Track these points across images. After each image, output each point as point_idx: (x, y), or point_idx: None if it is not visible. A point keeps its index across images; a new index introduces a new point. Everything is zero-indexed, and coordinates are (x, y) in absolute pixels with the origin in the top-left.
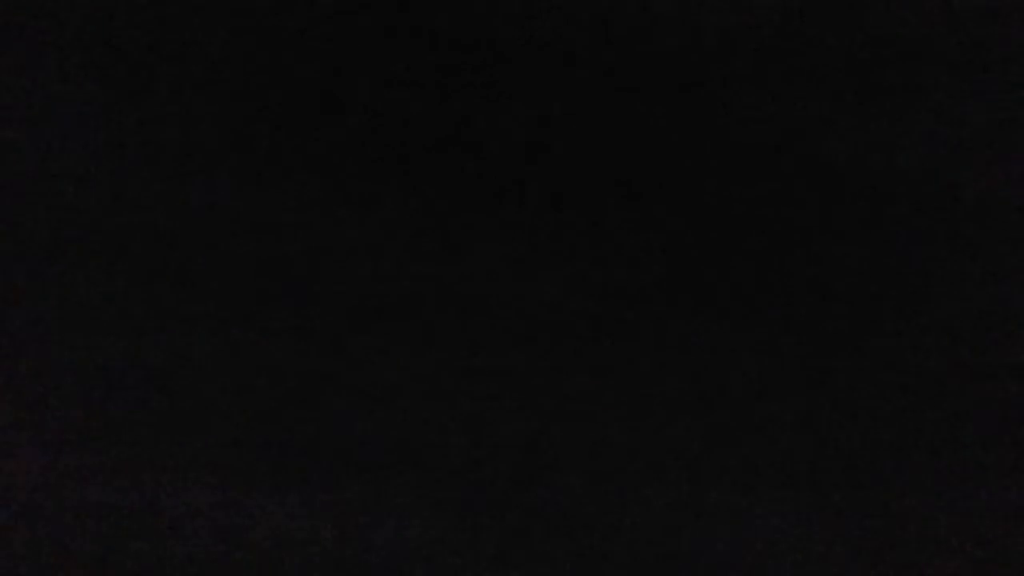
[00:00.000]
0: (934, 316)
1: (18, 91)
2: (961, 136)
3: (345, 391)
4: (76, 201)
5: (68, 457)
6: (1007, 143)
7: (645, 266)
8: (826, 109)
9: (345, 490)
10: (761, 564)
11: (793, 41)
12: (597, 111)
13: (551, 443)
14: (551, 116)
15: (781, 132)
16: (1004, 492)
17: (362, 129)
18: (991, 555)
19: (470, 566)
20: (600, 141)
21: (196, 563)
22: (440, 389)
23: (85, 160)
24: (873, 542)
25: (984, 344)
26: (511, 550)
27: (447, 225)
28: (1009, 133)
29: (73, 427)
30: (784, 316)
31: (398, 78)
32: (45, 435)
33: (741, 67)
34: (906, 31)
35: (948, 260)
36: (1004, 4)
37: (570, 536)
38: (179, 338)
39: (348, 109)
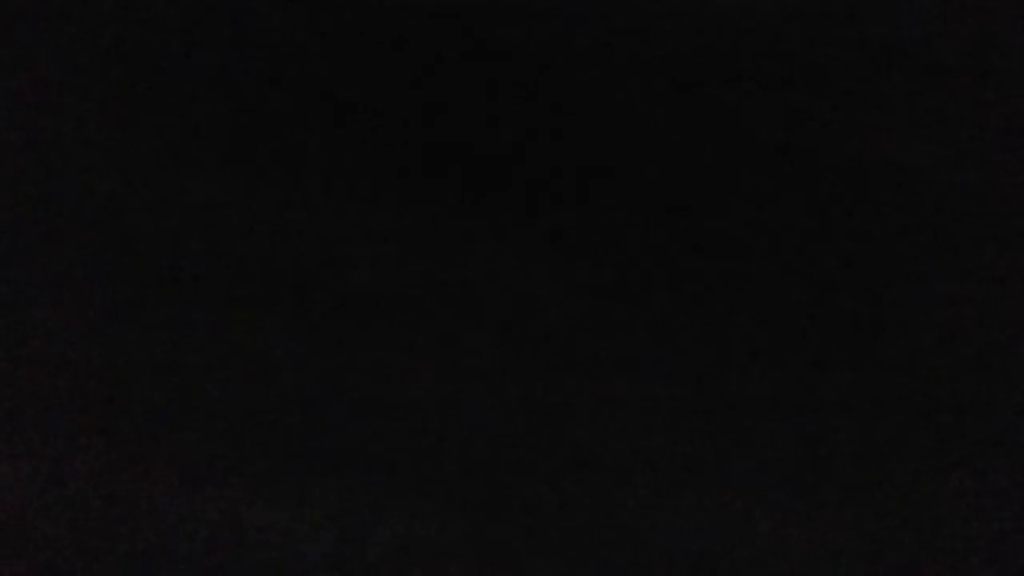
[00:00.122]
0: (934, 316)
1: (18, 91)
2: (961, 136)
3: (345, 391)
4: (76, 201)
5: (68, 457)
6: (1007, 143)
7: (645, 266)
8: (826, 109)
9: (345, 490)
10: (761, 564)
11: (794, 42)
12: (597, 111)
13: (551, 443)
14: (551, 116)
15: (781, 132)
16: (1004, 492)
17: (362, 129)
18: (991, 555)
19: (471, 566)
20: (600, 141)
21: (196, 563)
22: (440, 389)
23: (85, 160)
24: (873, 542)
25: (984, 344)
26: (511, 550)
27: (447, 225)
28: (1009, 133)
29: (73, 427)
30: (784, 316)
31: (398, 78)
32: (45, 435)
33: (741, 67)
34: (906, 31)
35: (948, 260)
36: (1004, 5)
37: (570, 536)
38: (179, 338)
39: (348, 109)
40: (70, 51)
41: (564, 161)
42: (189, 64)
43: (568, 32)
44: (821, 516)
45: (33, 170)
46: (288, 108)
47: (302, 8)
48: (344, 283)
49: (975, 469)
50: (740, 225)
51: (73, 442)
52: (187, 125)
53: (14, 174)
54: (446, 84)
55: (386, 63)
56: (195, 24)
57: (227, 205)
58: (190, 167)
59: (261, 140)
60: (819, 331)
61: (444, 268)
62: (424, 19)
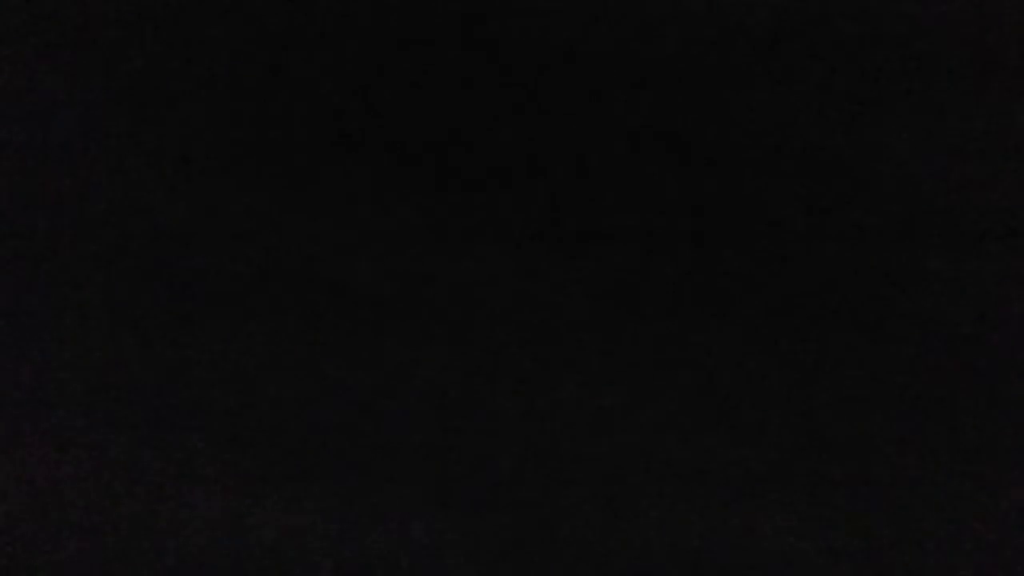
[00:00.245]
0: (934, 316)
1: (18, 91)
2: (961, 136)
3: (345, 391)
4: (76, 201)
5: (68, 457)
6: (1007, 143)
7: (646, 266)
8: (826, 109)
9: (345, 490)
10: (761, 565)
11: (793, 41)
12: (597, 111)
13: (551, 443)
14: (551, 115)
15: (781, 132)
16: (1004, 492)
17: (362, 129)
18: (991, 555)
19: (470, 566)
20: (600, 140)
21: (196, 563)
22: (440, 389)
23: (85, 160)
24: (873, 542)
25: (984, 344)
26: (511, 550)
27: (448, 225)
28: (1009, 133)
29: (73, 427)
30: (784, 316)
31: (398, 78)
32: (45, 435)
33: (741, 67)
34: (906, 31)
35: (948, 259)
36: (1004, 5)
37: (570, 536)
38: (179, 338)
39: (348, 109)
40: (70, 51)
41: (564, 161)
42: (189, 64)
43: (568, 32)
44: (821, 516)
45: (33, 170)
46: (288, 108)
47: (302, 8)
48: (344, 283)
49: (975, 469)
50: (740, 225)
51: (73, 442)
52: (187, 125)
53: (14, 174)
54: (446, 84)
55: (387, 63)
56: (195, 24)
57: (227, 205)
58: (190, 167)
59: (261, 140)
60: (819, 331)
61: (444, 268)
62: (424, 19)
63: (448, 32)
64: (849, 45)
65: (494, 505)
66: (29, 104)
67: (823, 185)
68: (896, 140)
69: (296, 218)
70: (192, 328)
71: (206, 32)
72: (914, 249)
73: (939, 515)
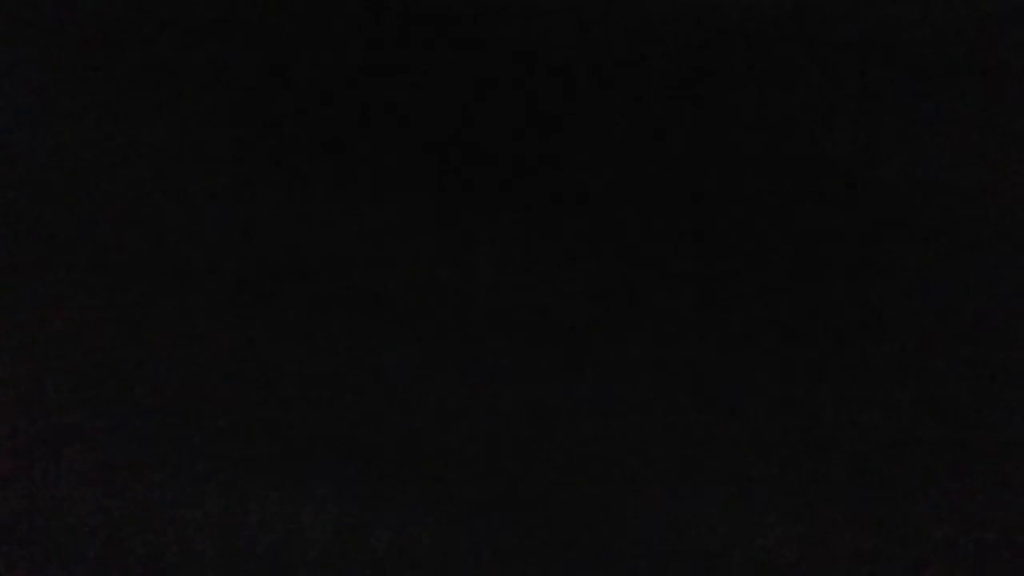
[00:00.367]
0: (934, 316)
1: (18, 91)
2: (961, 136)
3: (345, 391)
4: (76, 201)
5: (68, 457)
6: (1007, 143)
7: (646, 266)
8: (826, 109)
9: (345, 490)
10: (761, 565)
11: (793, 41)
12: (598, 111)
13: (551, 443)
14: (551, 115)
15: (781, 132)
16: (1004, 492)
17: (362, 129)
18: (991, 555)
19: (470, 566)
20: (600, 141)
21: (196, 563)
22: (441, 389)
23: (85, 160)
24: (873, 542)
25: (984, 344)
26: (511, 550)
27: (447, 225)
28: (1009, 133)
29: (73, 427)
30: (783, 317)
31: (399, 78)
32: (45, 435)
33: (741, 67)
34: (906, 31)
35: (948, 260)
36: (1004, 5)
37: (570, 536)
38: (179, 337)
39: (348, 109)
40: (70, 51)
41: (565, 161)
42: (189, 64)
43: (568, 32)
44: (821, 516)
45: (33, 170)
46: (288, 108)
47: (302, 8)
48: (344, 283)
49: (975, 469)
50: (740, 225)
51: (73, 442)
52: (187, 125)
53: (14, 174)
54: (447, 84)
55: (387, 63)
56: (195, 24)
57: (227, 205)
58: (190, 167)
59: (261, 140)
60: (819, 331)
61: (444, 268)
62: (424, 18)
63: (448, 32)
64: (849, 45)
65: (494, 505)
66: (29, 104)
67: (823, 185)
68: (896, 140)
69: (296, 218)
70: (192, 327)
71: (206, 32)
72: (914, 249)
73: (939, 515)
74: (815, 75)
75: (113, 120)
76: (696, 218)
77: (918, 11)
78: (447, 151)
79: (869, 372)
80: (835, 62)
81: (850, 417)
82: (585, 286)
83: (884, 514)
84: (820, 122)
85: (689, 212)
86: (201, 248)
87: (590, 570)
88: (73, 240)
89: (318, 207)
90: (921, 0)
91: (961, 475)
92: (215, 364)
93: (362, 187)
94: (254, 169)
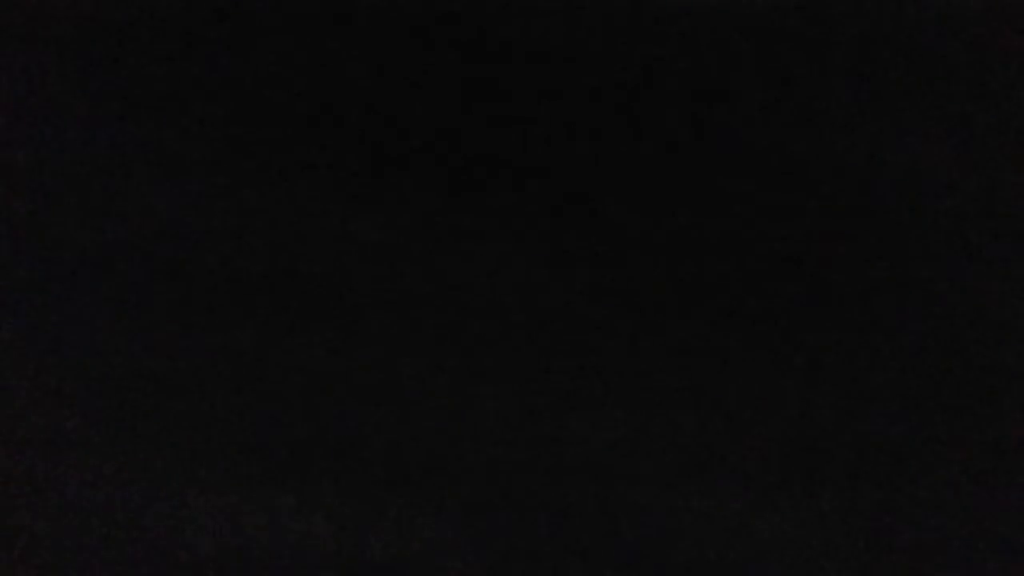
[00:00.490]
0: (934, 316)
1: (18, 91)
2: (961, 136)
3: (345, 391)
4: (76, 201)
5: (68, 457)
6: (1007, 143)
7: (646, 267)
8: (826, 109)
9: (345, 490)
10: (761, 564)
11: (793, 42)
12: (598, 111)
13: (552, 443)
14: (552, 116)
15: (782, 132)
16: (1004, 492)
17: (362, 129)
18: (991, 555)
19: (470, 567)
20: (600, 141)
21: (196, 563)
22: (441, 389)
23: (85, 160)
24: (873, 542)
25: (984, 344)
26: (511, 550)
27: (448, 225)
28: (1009, 133)
29: (73, 427)
30: (784, 317)
31: (399, 79)
32: (46, 435)
33: (741, 67)
34: (906, 31)
35: (948, 260)
36: (1004, 5)
37: (570, 536)
38: (179, 338)
39: (348, 109)
40: (70, 51)
41: (565, 162)
42: (189, 65)
43: (570, 34)
44: (821, 515)
45: (33, 170)
46: (288, 109)
47: (302, 9)
48: (345, 283)
49: (975, 469)
50: (740, 225)
51: (73, 442)
52: (187, 126)
53: (14, 174)
54: (448, 85)
55: (388, 64)
56: (195, 26)
57: (227, 205)
58: (190, 168)
59: (261, 141)
60: (819, 331)
61: (444, 268)
62: (425, 20)
63: (448, 33)
64: (849, 45)
65: (494, 505)
66: (29, 104)
67: (823, 185)
68: (896, 140)
69: (296, 218)
70: (192, 328)
71: (206, 33)
72: (915, 249)
73: (939, 514)
74: (815, 75)
75: (113, 120)
76: (696, 219)
77: (918, 11)
78: (447, 152)
79: (869, 372)
80: (835, 62)
81: (850, 417)
82: (585, 286)
83: (883, 513)
84: (820, 122)
85: (689, 213)
86: (201, 248)
87: (590, 570)
88: (73, 240)
89: (318, 208)
90: (921, 0)
91: (961, 475)
92: (215, 365)
93: (362, 188)
94: (253, 170)
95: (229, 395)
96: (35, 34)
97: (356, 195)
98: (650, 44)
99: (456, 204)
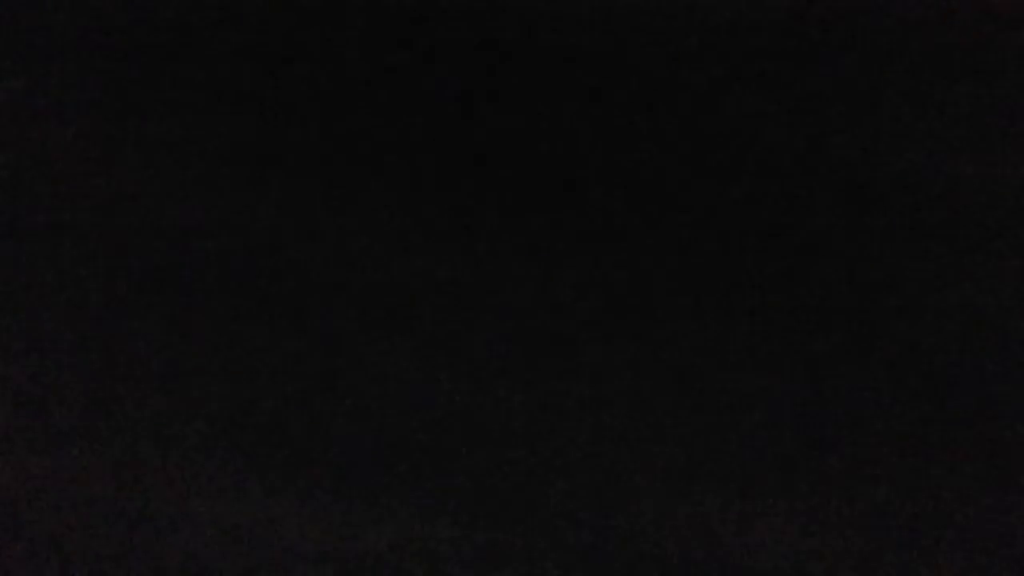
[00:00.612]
0: (934, 315)
1: (18, 91)
2: (961, 136)
3: (345, 391)
4: (76, 201)
5: (68, 457)
6: (1007, 143)
7: (646, 267)
8: (827, 109)
9: (345, 491)
10: (761, 565)
11: (794, 42)
12: (598, 111)
13: (551, 443)
14: (551, 115)
15: (781, 132)
16: (1004, 492)
17: (363, 129)
18: (991, 555)
19: (470, 566)
20: (600, 141)
21: (196, 563)
22: (440, 389)
23: (85, 160)
24: (872, 542)
25: (984, 344)
26: (511, 550)
27: (449, 226)
28: (1009, 133)
29: (73, 427)
30: (784, 316)
31: (399, 79)
32: (45, 435)
33: (742, 68)
34: (906, 31)
35: (948, 259)
36: (1004, 5)
37: (570, 537)
38: (179, 338)
39: (348, 109)
40: (70, 51)
41: (565, 161)
42: (189, 65)
43: (570, 34)
44: (821, 515)
45: (33, 170)
46: (288, 108)
47: (302, 9)
48: (344, 283)
49: (975, 469)
50: (741, 225)
51: (73, 442)
52: (187, 125)
53: (14, 174)
54: (448, 85)
55: (388, 65)
56: (195, 25)
57: (227, 206)
58: (190, 167)
59: (261, 141)
60: (819, 331)
61: (445, 268)
62: (426, 20)
63: (448, 33)
64: (849, 45)
65: (494, 505)
66: (29, 104)
67: (823, 185)
68: (896, 140)
69: (296, 218)
70: (192, 328)
71: (206, 33)
72: (915, 248)
73: (939, 515)
74: (815, 75)
75: (113, 120)
76: (696, 219)
77: (918, 11)
78: (447, 152)
79: (869, 372)
80: (835, 62)
81: (849, 417)
82: (585, 287)
83: (883, 513)
84: (820, 122)
85: (689, 213)
86: (201, 248)
87: (590, 570)
88: (73, 240)
89: (318, 207)
90: (921, 0)
91: (961, 475)
92: (215, 365)
93: (362, 188)
94: (254, 169)
95: (229, 395)
96: (35, 34)
97: (356, 195)
98: (650, 44)
99: (456, 204)
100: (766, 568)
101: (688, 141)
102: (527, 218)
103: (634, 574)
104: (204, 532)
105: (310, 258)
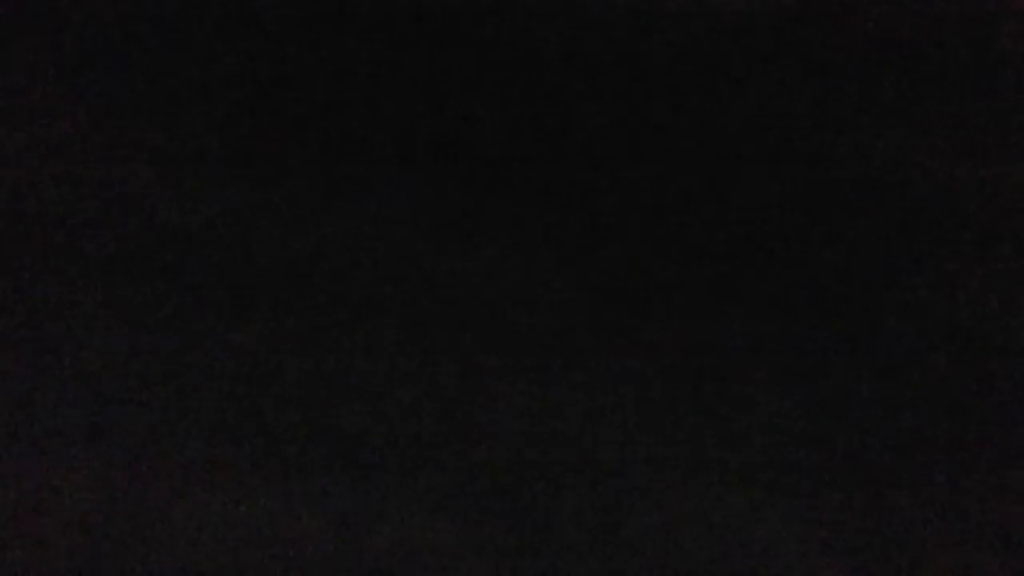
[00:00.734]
0: (934, 315)
1: (18, 91)
2: (961, 136)
3: (345, 391)
4: (76, 201)
5: (68, 457)
6: (1007, 143)
7: (645, 266)
8: (826, 109)
9: (345, 490)
10: (761, 564)
11: (793, 41)
12: (598, 111)
13: (551, 443)
14: (552, 115)
15: (782, 132)
16: (1004, 491)
17: (362, 129)
18: (991, 555)
19: (470, 566)
20: (600, 141)
21: (196, 563)
22: (440, 389)
23: (85, 160)
24: (872, 542)
25: (984, 344)
26: (511, 550)
27: (448, 225)
28: (1009, 133)
29: (74, 427)
30: (784, 317)
31: (398, 78)
32: (46, 435)
33: (741, 68)
34: (906, 31)
35: (948, 260)
36: (1004, 4)
37: (570, 536)
38: (178, 338)
39: (348, 109)
40: (70, 51)
41: (565, 161)
42: (190, 64)
43: (570, 31)
44: (820, 515)
45: (33, 170)
46: (288, 108)
47: (302, 8)
48: (344, 283)
49: (975, 469)
50: (740, 225)
51: (73, 442)
52: (187, 125)
53: (14, 174)
54: (447, 84)
55: (387, 63)
56: (195, 24)
57: (226, 206)
58: (190, 167)
59: (261, 140)
60: (819, 331)
61: (444, 268)
62: (425, 19)
63: (448, 32)
64: (849, 45)
65: (494, 505)
66: (29, 104)
67: (823, 185)
68: (896, 140)
69: (296, 218)
70: (192, 328)
71: (206, 32)
72: (914, 249)
73: (939, 514)
74: (815, 75)
75: (113, 120)
76: (696, 219)
77: (918, 11)
78: (447, 152)
79: (869, 372)
80: (835, 62)
81: (849, 416)
82: (585, 286)
83: (883, 513)
84: (820, 122)
85: (689, 213)
86: (201, 248)
87: (590, 570)
88: (74, 240)
89: (317, 207)
90: (921, 0)
91: (961, 475)
92: (215, 364)
93: (362, 187)
94: (253, 169)
95: (229, 395)
96: (35, 34)
97: (356, 195)
98: (649, 44)
99: (456, 204)
100: (766, 568)
101: (688, 141)
102: (528, 217)
103: (635, 574)
104: (204, 532)
105: (310, 258)
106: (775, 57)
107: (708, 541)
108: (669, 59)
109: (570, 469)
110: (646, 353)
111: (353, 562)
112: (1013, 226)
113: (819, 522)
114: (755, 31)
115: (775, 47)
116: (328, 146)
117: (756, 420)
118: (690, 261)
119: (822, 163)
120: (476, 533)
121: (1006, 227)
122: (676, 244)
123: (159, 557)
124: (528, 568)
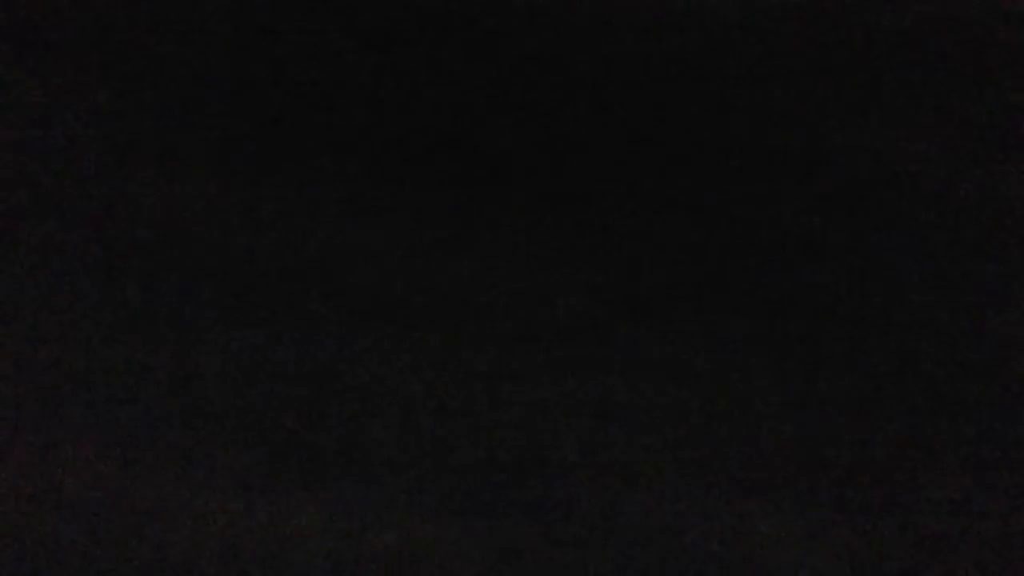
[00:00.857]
0: (933, 316)
1: (19, 91)
2: (961, 136)
3: (345, 391)
4: (76, 201)
5: (69, 457)
6: (1007, 143)
7: (646, 266)
8: (826, 108)
9: (345, 490)
10: (761, 564)
11: (793, 40)
12: (598, 111)
13: (551, 443)
14: (552, 115)
15: (782, 131)
16: (1004, 491)
17: (362, 129)
18: (991, 555)
19: (470, 566)
20: (600, 141)
21: (196, 563)
22: (440, 389)
23: (85, 160)
24: (870, 541)
25: (984, 344)
26: (511, 550)
27: (449, 225)
28: (1009, 133)
29: (74, 427)
30: (783, 317)
31: (399, 78)
32: (46, 435)
33: (741, 67)
34: (906, 30)
35: (948, 260)
36: (1004, 4)
37: (571, 537)
38: (179, 338)
39: (348, 109)
40: (70, 51)
41: (565, 161)
42: (190, 64)
43: (568, 32)
44: (821, 516)
45: (33, 170)
46: (288, 108)
47: (302, 7)
48: (344, 283)
49: (975, 469)
50: (740, 225)
51: (73, 442)
52: (187, 125)
53: (14, 174)
54: (447, 83)
55: (388, 63)
56: (195, 24)
57: (227, 206)
58: (190, 167)
59: (261, 140)
60: (819, 331)
61: (444, 268)
62: (425, 19)
63: (448, 32)
64: (849, 45)
65: (494, 505)
66: (29, 104)
67: (823, 185)
68: (895, 140)
69: (296, 218)
70: (192, 328)
71: (206, 32)
72: (914, 249)
73: (938, 513)
74: (815, 74)
75: (113, 120)
76: (697, 219)
77: (918, 11)
78: (447, 152)
79: (869, 372)
80: (835, 62)
81: (849, 416)
82: (585, 286)
83: (881, 513)
84: (820, 121)
85: (689, 213)
86: (201, 248)
87: (591, 570)
88: (74, 240)
89: (317, 207)
90: (921, 0)
91: (961, 475)
92: (216, 365)
93: (362, 187)
94: (253, 169)
95: (229, 395)
96: (35, 34)
97: (356, 195)
98: (649, 44)
99: (456, 204)
100: (766, 568)
101: (688, 141)
102: (530, 218)
103: (636, 573)
104: (204, 532)
105: (311, 258)
106: (775, 57)
107: (708, 541)
108: (669, 59)
109: (571, 469)
110: (646, 353)
111: (354, 562)
112: (1013, 226)
113: (819, 522)
114: (755, 31)
115: (775, 47)
116: (328, 146)
117: (756, 420)
118: (690, 261)
119: (822, 163)
120: (477, 533)
121: (1006, 227)
122: (676, 244)
123: (160, 557)
124: (529, 568)
